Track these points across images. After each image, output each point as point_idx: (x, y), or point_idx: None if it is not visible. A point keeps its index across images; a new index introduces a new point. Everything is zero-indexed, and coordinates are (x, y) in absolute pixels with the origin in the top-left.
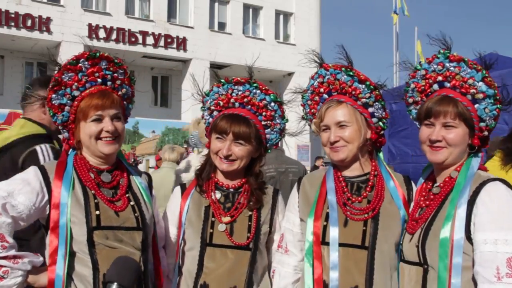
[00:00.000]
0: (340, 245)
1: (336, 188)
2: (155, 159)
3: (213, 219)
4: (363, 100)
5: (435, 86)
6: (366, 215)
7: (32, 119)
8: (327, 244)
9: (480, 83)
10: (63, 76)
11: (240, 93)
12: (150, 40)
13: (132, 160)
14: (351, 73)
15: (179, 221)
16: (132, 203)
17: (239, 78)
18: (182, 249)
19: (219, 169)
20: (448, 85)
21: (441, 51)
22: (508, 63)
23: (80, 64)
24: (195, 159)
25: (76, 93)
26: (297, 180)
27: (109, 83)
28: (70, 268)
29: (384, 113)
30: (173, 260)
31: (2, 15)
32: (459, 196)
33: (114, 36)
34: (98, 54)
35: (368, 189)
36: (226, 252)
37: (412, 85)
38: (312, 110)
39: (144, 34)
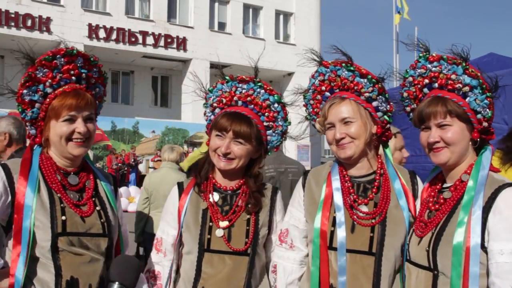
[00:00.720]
0: (348, 251)
1: (342, 189)
2: (150, 160)
3: (210, 224)
4: (366, 94)
5: (425, 90)
6: (373, 221)
7: None
8: (334, 249)
9: (463, 76)
10: (36, 72)
11: (244, 91)
12: (150, 40)
13: (132, 160)
14: (352, 68)
15: (178, 222)
16: (98, 208)
17: (244, 76)
18: (180, 251)
19: (216, 168)
20: (435, 85)
21: (421, 54)
22: (508, 63)
23: (55, 61)
24: None
25: (49, 90)
26: (303, 173)
27: (83, 81)
28: (31, 273)
29: (388, 106)
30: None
31: (2, 15)
32: (473, 202)
33: (114, 36)
34: (75, 51)
35: (374, 190)
36: (224, 257)
37: (405, 94)
38: (315, 110)
39: (144, 34)
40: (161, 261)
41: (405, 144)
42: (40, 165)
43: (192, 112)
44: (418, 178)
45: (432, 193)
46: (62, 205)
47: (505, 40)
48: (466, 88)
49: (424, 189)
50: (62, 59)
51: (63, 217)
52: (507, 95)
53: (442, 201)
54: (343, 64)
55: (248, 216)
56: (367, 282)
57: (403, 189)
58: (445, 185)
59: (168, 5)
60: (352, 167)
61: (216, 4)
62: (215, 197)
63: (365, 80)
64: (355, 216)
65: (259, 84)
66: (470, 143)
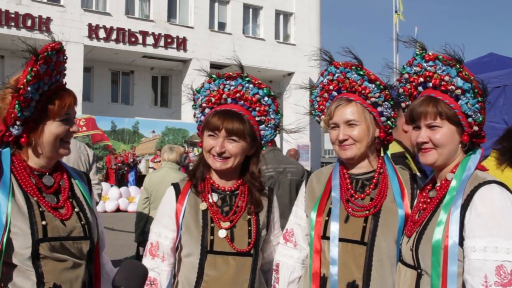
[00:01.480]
0: (340, 240)
1: (341, 185)
2: (150, 161)
3: (212, 224)
4: (373, 99)
5: (420, 88)
6: (367, 212)
7: None
8: (328, 238)
9: (456, 79)
10: (39, 68)
11: (232, 88)
12: (150, 40)
13: (132, 160)
14: (361, 72)
15: (176, 224)
16: (76, 209)
17: (231, 73)
18: (178, 255)
19: (212, 169)
20: (430, 85)
21: (417, 52)
22: (508, 63)
23: (52, 57)
24: None
25: (45, 87)
26: (307, 175)
27: (61, 79)
28: (8, 280)
29: (393, 112)
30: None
31: (2, 15)
32: (454, 200)
33: (114, 36)
34: (64, 47)
35: (372, 186)
36: (227, 259)
37: (401, 90)
38: (321, 107)
39: (144, 34)
40: (158, 266)
41: None
42: (11, 168)
43: (192, 112)
44: (418, 180)
45: (424, 194)
46: (40, 209)
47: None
48: (458, 91)
49: (419, 190)
50: (56, 55)
51: (43, 222)
52: (507, 95)
53: (428, 200)
54: (353, 67)
55: (249, 217)
56: (357, 271)
57: (400, 188)
58: (436, 185)
59: (168, 5)
60: (353, 167)
61: (216, 4)
62: (214, 197)
63: (373, 85)
64: (350, 209)
65: (247, 79)
66: (460, 145)
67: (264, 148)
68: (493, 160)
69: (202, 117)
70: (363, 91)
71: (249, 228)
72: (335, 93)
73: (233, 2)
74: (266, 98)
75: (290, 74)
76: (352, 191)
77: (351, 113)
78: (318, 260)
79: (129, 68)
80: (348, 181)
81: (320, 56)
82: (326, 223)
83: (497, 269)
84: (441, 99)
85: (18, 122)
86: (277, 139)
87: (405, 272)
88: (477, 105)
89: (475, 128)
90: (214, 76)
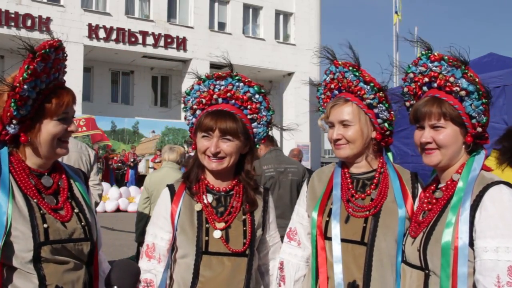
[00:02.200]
0: (340, 240)
1: (342, 184)
2: (150, 161)
3: (207, 225)
4: (368, 100)
5: (425, 88)
6: (367, 212)
7: None
8: (328, 239)
9: (461, 80)
10: (36, 66)
11: (222, 87)
12: (150, 40)
13: (132, 160)
14: (357, 73)
15: (172, 226)
16: (76, 210)
17: (220, 73)
18: (174, 256)
19: (208, 170)
20: (435, 85)
21: (423, 52)
22: (508, 63)
23: (50, 54)
24: None
25: (42, 85)
26: (308, 174)
27: (60, 77)
28: (9, 282)
29: (389, 115)
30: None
31: (2, 15)
32: (462, 202)
33: (114, 36)
34: (63, 44)
35: (372, 186)
36: (222, 259)
37: (405, 89)
38: (325, 104)
39: (144, 34)
40: (154, 268)
41: (405, 144)
42: (10, 169)
43: None
44: (420, 179)
45: (427, 194)
46: (41, 211)
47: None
48: (463, 93)
49: (421, 192)
50: (54, 53)
51: (45, 225)
52: (507, 95)
53: (434, 201)
54: (350, 68)
55: (244, 217)
56: (357, 271)
57: (401, 189)
58: (439, 186)
59: (168, 5)
60: (352, 165)
61: (216, 4)
62: (209, 198)
63: (368, 86)
64: (350, 209)
65: (237, 78)
66: (463, 146)
67: (258, 146)
68: (493, 160)
69: (194, 119)
70: (358, 92)
71: (244, 228)
72: (336, 92)
73: (233, 2)
74: (257, 96)
75: (290, 74)
76: (352, 191)
77: (346, 113)
78: (324, 258)
79: (129, 68)
80: (349, 180)
81: (322, 54)
82: (327, 223)
83: (509, 269)
84: (446, 100)
85: (14, 121)
86: (277, 139)
87: (410, 273)
88: (481, 107)
89: (479, 129)
90: (203, 77)
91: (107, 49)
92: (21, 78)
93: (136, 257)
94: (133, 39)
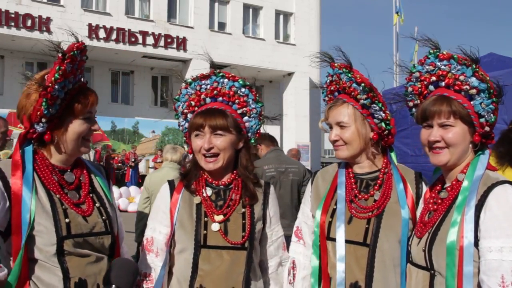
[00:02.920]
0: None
1: (346, 184)
2: (152, 160)
3: (206, 219)
4: (361, 101)
5: (431, 87)
6: (370, 213)
7: None
8: (331, 239)
9: (472, 79)
10: (66, 67)
11: (208, 86)
12: (150, 40)
13: (133, 159)
14: (349, 75)
15: (171, 220)
16: (97, 204)
17: (204, 73)
18: (173, 251)
19: (205, 170)
20: (442, 84)
21: (431, 51)
22: (508, 63)
23: (77, 56)
24: None
25: (70, 86)
26: (313, 173)
27: (83, 78)
28: (35, 277)
29: (383, 114)
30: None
31: (2, 15)
32: (467, 201)
33: (114, 36)
34: (86, 46)
35: (376, 187)
36: (221, 253)
37: (410, 89)
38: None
39: (144, 34)
40: (152, 262)
41: (404, 144)
42: (34, 166)
43: None
44: (424, 179)
45: (433, 195)
46: (63, 206)
47: (505, 40)
48: (473, 91)
49: (426, 190)
50: (80, 54)
51: (67, 220)
52: (507, 95)
53: (439, 201)
54: (344, 69)
55: (243, 210)
56: (360, 273)
57: (405, 190)
58: (445, 186)
59: (168, 5)
60: (355, 165)
61: (216, 4)
62: (208, 192)
63: (360, 87)
64: (353, 210)
65: (221, 74)
66: (471, 145)
67: (253, 141)
68: (493, 160)
69: (186, 124)
70: (353, 93)
71: (243, 221)
72: (337, 93)
73: (233, 2)
74: (243, 89)
75: (290, 74)
76: (356, 191)
77: (342, 114)
78: (325, 259)
79: (129, 68)
80: (352, 180)
81: (320, 57)
82: (330, 224)
83: None
84: (455, 99)
85: (43, 120)
86: (277, 139)
87: (416, 273)
88: (491, 106)
89: (487, 128)
90: (189, 80)
91: (107, 49)
92: (53, 78)
93: (136, 257)
94: (133, 39)
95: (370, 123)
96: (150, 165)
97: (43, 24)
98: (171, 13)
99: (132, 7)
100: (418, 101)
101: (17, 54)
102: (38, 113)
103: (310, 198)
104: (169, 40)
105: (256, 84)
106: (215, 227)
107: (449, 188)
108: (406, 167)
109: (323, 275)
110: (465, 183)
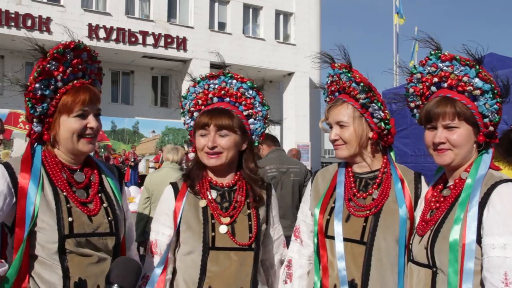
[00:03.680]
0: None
1: (345, 183)
2: (153, 160)
3: (213, 221)
4: (361, 101)
5: (433, 88)
6: (368, 212)
7: None
8: (329, 237)
9: (476, 79)
10: (48, 65)
11: (216, 86)
12: (150, 40)
13: (133, 159)
14: (348, 74)
15: (174, 222)
16: (105, 205)
17: (213, 72)
18: (179, 253)
19: (208, 167)
20: (445, 85)
21: (432, 52)
22: (508, 63)
23: (66, 54)
24: None
25: (59, 84)
26: (313, 173)
27: (87, 77)
28: (35, 274)
29: (383, 114)
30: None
31: (2, 15)
32: (470, 199)
33: (114, 36)
34: (82, 45)
35: (374, 186)
36: (229, 254)
37: (411, 90)
38: None
39: (144, 34)
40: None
41: (404, 144)
42: (44, 163)
43: None
44: (423, 179)
45: (435, 193)
46: (68, 205)
47: (505, 40)
48: (477, 92)
49: (428, 190)
50: (72, 53)
51: (70, 219)
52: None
53: (441, 199)
54: (343, 69)
55: (248, 211)
56: (357, 271)
57: (403, 189)
58: (447, 184)
59: (168, 5)
60: (354, 164)
61: (216, 4)
62: (213, 194)
63: (359, 87)
64: (351, 208)
65: (229, 75)
66: (475, 145)
67: (257, 143)
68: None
69: (192, 122)
70: (352, 93)
71: (250, 222)
72: (337, 94)
73: (233, 2)
74: (250, 91)
75: (290, 74)
76: (354, 190)
77: (342, 114)
78: (325, 256)
79: (129, 68)
80: (352, 179)
81: (320, 58)
82: (327, 222)
83: None
84: (458, 100)
85: (34, 120)
86: (278, 139)
87: (418, 271)
88: (495, 106)
89: (491, 128)
90: (198, 79)
91: (107, 49)
92: (31, 77)
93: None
94: (133, 39)
95: (369, 123)
96: (151, 165)
97: (43, 24)
98: (171, 13)
99: (132, 7)
100: (420, 102)
101: (17, 54)
102: (29, 113)
103: (309, 197)
104: (169, 40)
105: (260, 84)
106: (223, 229)
107: (452, 186)
108: (405, 167)
109: (322, 272)
110: (468, 181)
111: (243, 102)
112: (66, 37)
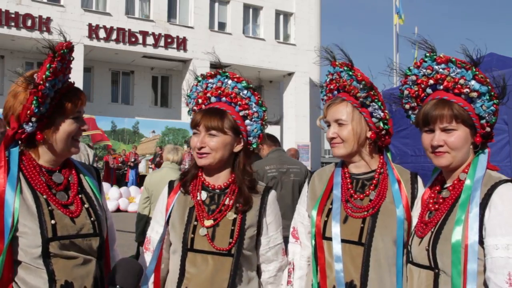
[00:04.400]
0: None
1: (342, 184)
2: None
3: (195, 222)
4: (361, 99)
5: (429, 90)
6: (365, 213)
7: None
8: (327, 239)
9: (472, 82)
10: (56, 65)
11: (213, 86)
12: (150, 40)
13: (133, 159)
14: (350, 73)
15: (165, 220)
16: (86, 205)
17: (212, 72)
18: (169, 251)
19: (201, 167)
20: (441, 87)
21: (427, 54)
22: (508, 63)
23: (66, 55)
24: None
25: (59, 85)
26: (309, 174)
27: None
28: (19, 279)
29: (382, 113)
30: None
31: (2, 15)
32: (470, 200)
33: (114, 36)
34: (74, 45)
35: (371, 187)
36: (207, 257)
37: (406, 91)
38: None
39: (144, 34)
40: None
41: (404, 144)
42: (20, 167)
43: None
44: (419, 179)
45: (432, 195)
46: (49, 208)
47: (505, 40)
48: (474, 94)
49: (425, 191)
50: (69, 54)
51: (53, 221)
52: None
53: (441, 200)
54: (345, 67)
55: (234, 216)
56: (355, 272)
57: (400, 190)
58: (445, 186)
59: (168, 5)
60: (351, 164)
61: (216, 4)
62: (203, 195)
63: (360, 85)
64: (348, 210)
65: (225, 74)
66: (472, 146)
67: (255, 145)
68: None
69: None
70: (352, 91)
71: (232, 227)
72: (336, 92)
73: (233, 2)
74: (245, 91)
75: (290, 74)
76: (351, 191)
77: (340, 112)
78: (323, 257)
79: (129, 68)
80: (348, 180)
81: (322, 54)
82: (325, 223)
83: None
84: (455, 102)
85: (33, 119)
86: (278, 139)
87: (418, 273)
88: (492, 107)
89: (487, 129)
90: (199, 78)
91: (107, 49)
92: (44, 76)
93: (136, 257)
94: (133, 39)
95: (368, 122)
96: (150, 165)
97: (43, 24)
98: (171, 13)
99: (132, 7)
100: (415, 104)
101: (17, 54)
102: (29, 112)
103: (306, 198)
104: (169, 40)
105: (256, 84)
106: (202, 231)
107: (450, 188)
108: (402, 168)
109: (320, 274)
110: (467, 182)
111: (239, 103)
112: (66, 37)
